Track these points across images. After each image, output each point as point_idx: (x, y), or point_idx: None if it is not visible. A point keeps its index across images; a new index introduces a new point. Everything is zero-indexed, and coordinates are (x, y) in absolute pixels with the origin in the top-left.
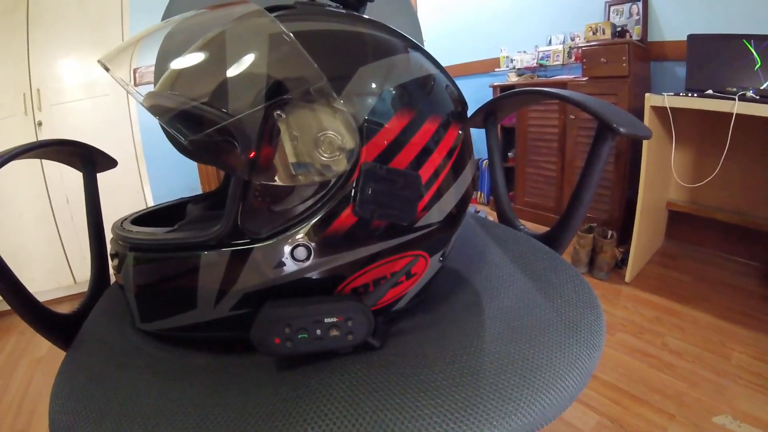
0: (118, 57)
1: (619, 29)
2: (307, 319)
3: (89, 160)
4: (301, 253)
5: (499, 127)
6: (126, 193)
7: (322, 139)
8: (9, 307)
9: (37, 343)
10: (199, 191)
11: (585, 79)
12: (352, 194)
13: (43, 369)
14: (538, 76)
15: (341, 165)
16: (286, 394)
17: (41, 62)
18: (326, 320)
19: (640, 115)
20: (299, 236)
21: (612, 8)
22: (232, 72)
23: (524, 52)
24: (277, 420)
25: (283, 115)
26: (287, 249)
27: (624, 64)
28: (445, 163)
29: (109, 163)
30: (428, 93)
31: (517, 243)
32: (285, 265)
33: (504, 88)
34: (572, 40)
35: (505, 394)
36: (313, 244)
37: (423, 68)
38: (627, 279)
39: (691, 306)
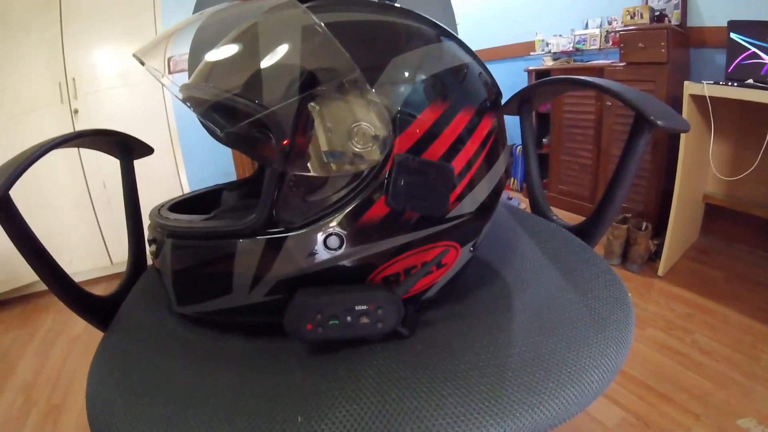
0: (152, 50)
1: (657, 13)
2: (339, 307)
3: (126, 148)
4: (333, 242)
5: (533, 113)
6: (162, 179)
7: (356, 131)
8: (46, 287)
9: (73, 322)
10: (234, 176)
11: (622, 64)
12: (385, 185)
13: (79, 347)
14: (574, 61)
15: (374, 156)
16: (316, 379)
17: (76, 52)
18: (357, 308)
19: (678, 104)
20: (332, 226)
21: None
22: (265, 64)
23: (560, 35)
24: (306, 403)
25: (317, 107)
26: (320, 238)
27: (662, 50)
28: (479, 153)
29: (146, 150)
30: (461, 82)
31: (549, 235)
32: (318, 253)
33: (539, 73)
34: (609, 24)
35: (530, 387)
36: (345, 233)
37: (456, 57)
38: (660, 273)
39: (723, 304)
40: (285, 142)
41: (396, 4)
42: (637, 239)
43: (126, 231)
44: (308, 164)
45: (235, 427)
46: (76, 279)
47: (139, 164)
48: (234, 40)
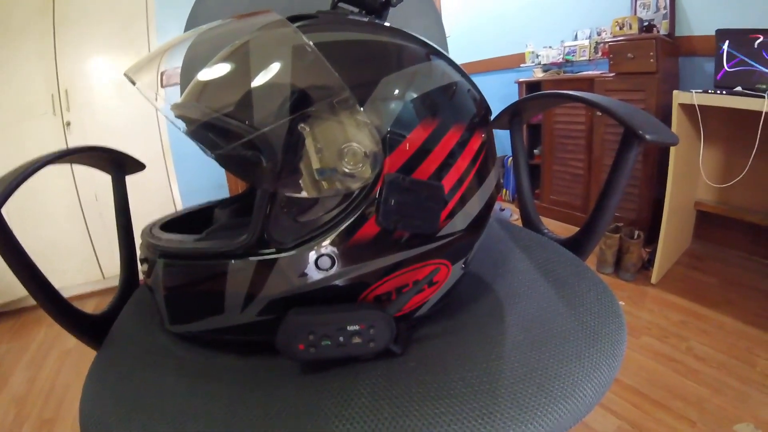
0: (143, 69)
1: (646, 24)
2: (331, 327)
3: (118, 165)
4: (325, 262)
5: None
6: (154, 191)
7: (346, 151)
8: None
9: (66, 336)
10: (226, 188)
11: (612, 75)
12: (376, 205)
13: (71, 361)
14: (564, 72)
15: (365, 176)
16: (309, 398)
17: (69, 63)
18: (349, 328)
19: (668, 113)
20: (323, 246)
21: (639, 2)
22: (256, 84)
23: (550, 47)
24: (300, 422)
25: (307, 128)
26: (312, 258)
27: (651, 60)
28: (469, 170)
29: (137, 166)
30: (451, 100)
31: (541, 248)
32: (309, 273)
33: (530, 84)
34: (599, 35)
35: (522, 403)
36: (336, 253)
37: (445, 75)
38: (653, 280)
39: (717, 310)
40: (276, 165)
41: (386, 23)
42: (629, 248)
43: (118, 247)
44: (299, 185)
45: None
46: (69, 293)
47: (131, 178)
48: (224, 59)
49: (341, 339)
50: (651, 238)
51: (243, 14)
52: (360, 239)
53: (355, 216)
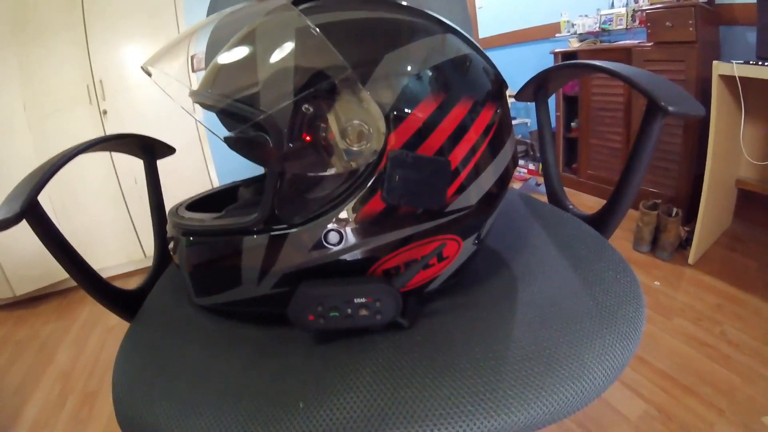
0: (160, 60)
1: None
2: (338, 299)
3: (149, 150)
4: (333, 237)
5: (561, 96)
6: (192, 174)
7: (350, 129)
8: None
9: (109, 314)
10: (262, 168)
11: (650, 44)
12: (381, 181)
13: (114, 337)
14: (601, 41)
15: (369, 153)
16: (318, 366)
17: (101, 54)
18: (356, 300)
19: (708, 85)
20: (331, 222)
21: None
22: (261, 68)
23: (586, 16)
24: (308, 388)
25: (311, 108)
26: (320, 233)
27: (691, 29)
28: (479, 144)
29: (168, 150)
30: (458, 74)
31: (562, 225)
32: (319, 248)
33: (565, 55)
34: (636, 2)
35: (527, 382)
36: (344, 228)
37: (453, 49)
38: (690, 261)
39: (755, 295)
40: (283, 145)
41: (394, 0)
42: (667, 226)
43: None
44: (305, 164)
45: (242, 406)
46: (112, 273)
47: (169, 161)
48: (233, 46)
49: (349, 311)
50: (690, 217)
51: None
52: (366, 215)
53: (362, 192)
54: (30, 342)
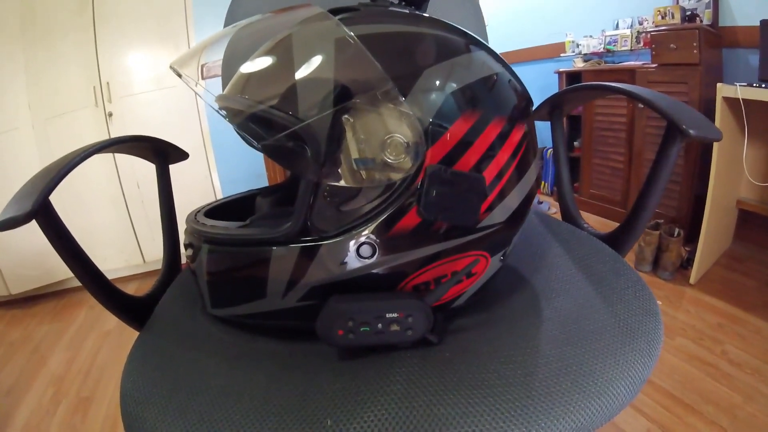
0: (188, 62)
1: (689, 13)
2: (370, 314)
3: (162, 154)
4: (366, 250)
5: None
6: (194, 180)
7: (389, 142)
8: (79, 283)
9: (105, 318)
10: (265, 177)
11: (654, 66)
12: (417, 196)
13: (110, 342)
14: (605, 62)
15: (407, 167)
16: (346, 383)
17: (110, 56)
18: (388, 315)
19: (711, 106)
20: (364, 235)
21: None
22: (300, 76)
23: (590, 36)
24: (335, 406)
25: (351, 119)
26: (353, 246)
27: (694, 51)
28: (510, 162)
29: (181, 155)
30: (492, 92)
31: (579, 243)
32: (350, 261)
33: (570, 75)
34: (640, 24)
35: (556, 398)
36: (377, 242)
37: (486, 66)
38: (692, 280)
39: (755, 314)
40: (320, 155)
41: (426, 14)
42: (669, 245)
43: (161, 233)
44: (342, 175)
45: (266, 426)
46: (110, 276)
47: (173, 167)
48: (268, 53)
49: (380, 326)
50: (691, 237)
51: (283, 8)
52: (401, 229)
53: (397, 206)
54: (24, 343)
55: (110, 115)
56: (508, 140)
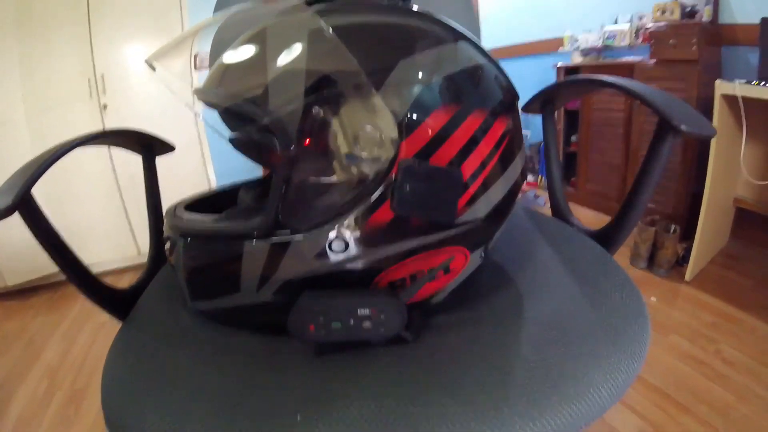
0: (165, 56)
1: (688, 9)
2: (341, 310)
3: (148, 146)
4: (338, 245)
5: (562, 109)
6: (189, 173)
7: (361, 135)
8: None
9: (100, 310)
10: (260, 170)
11: (653, 62)
12: (391, 190)
13: (104, 334)
14: (603, 58)
15: (380, 161)
16: (320, 378)
17: (105, 49)
18: (360, 312)
19: (709, 104)
20: (337, 230)
21: None
22: (272, 68)
23: (589, 31)
24: (306, 402)
25: (322, 112)
26: (325, 242)
27: (693, 48)
28: (491, 157)
29: (167, 147)
30: (474, 84)
31: (568, 241)
32: (322, 257)
33: (568, 69)
34: (640, 19)
35: (533, 399)
36: (350, 237)
37: (468, 58)
38: (687, 278)
39: (750, 313)
40: (290, 149)
41: (408, 6)
42: (664, 242)
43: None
44: (313, 169)
45: (237, 422)
46: (105, 268)
47: (167, 159)
48: (243, 44)
49: (351, 322)
50: (687, 234)
51: None
52: (374, 224)
53: (370, 201)
54: (18, 335)
55: (105, 107)
56: (489, 134)
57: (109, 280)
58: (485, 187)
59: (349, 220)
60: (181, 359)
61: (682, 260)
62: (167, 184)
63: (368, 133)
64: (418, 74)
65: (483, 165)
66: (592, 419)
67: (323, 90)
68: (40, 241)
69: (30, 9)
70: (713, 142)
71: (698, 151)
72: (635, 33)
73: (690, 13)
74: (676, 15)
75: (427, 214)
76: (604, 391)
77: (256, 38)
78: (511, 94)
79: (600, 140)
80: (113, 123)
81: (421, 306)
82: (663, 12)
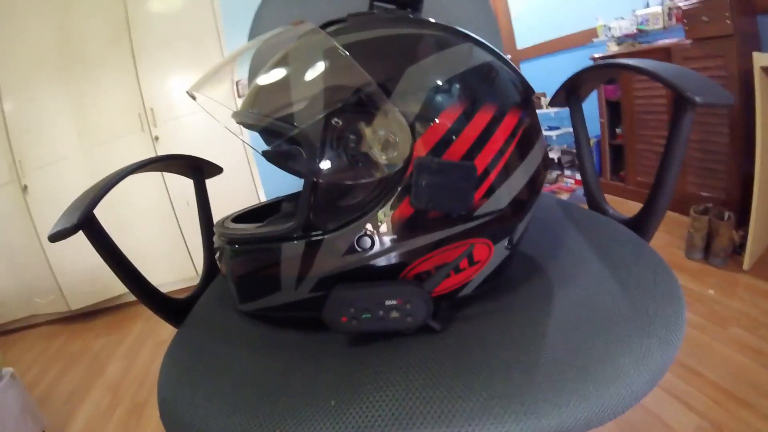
0: (205, 85)
1: None
2: (370, 301)
3: (197, 169)
4: (365, 242)
5: (603, 101)
6: (239, 193)
7: (377, 139)
8: (134, 298)
9: (161, 329)
10: None
11: (689, 41)
12: (409, 187)
13: (164, 351)
14: (639, 43)
15: (395, 161)
16: (352, 367)
17: (151, 82)
18: (387, 302)
19: (750, 78)
20: (363, 227)
21: None
22: (294, 88)
23: (621, 18)
24: (340, 388)
25: (340, 122)
26: (353, 239)
27: (727, 21)
28: (505, 150)
29: (215, 170)
30: (480, 82)
31: (600, 229)
32: (352, 252)
33: (605, 59)
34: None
35: (560, 386)
36: (375, 233)
37: (473, 58)
38: (745, 266)
39: None
40: (316, 157)
41: (412, 16)
42: (719, 230)
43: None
44: (336, 173)
45: (278, 406)
46: (164, 289)
47: (219, 181)
48: (269, 68)
49: (380, 313)
50: (743, 220)
51: (291, 24)
52: (397, 220)
53: (391, 198)
54: (82, 354)
55: (156, 138)
56: (500, 128)
57: None
58: (503, 178)
59: (373, 217)
60: (231, 355)
61: (739, 248)
62: (220, 205)
63: (383, 136)
64: (425, 79)
65: (497, 157)
66: (625, 408)
67: (340, 102)
68: (103, 257)
69: (72, 53)
70: (759, 117)
71: (745, 130)
72: (668, 14)
73: None
74: None
75: (443, 207)
76: (636, 377)
77: (278, 62)
78: (523, 87)
79: (645, 129)
80: (165, 152)
81: (450, 298)
82: None
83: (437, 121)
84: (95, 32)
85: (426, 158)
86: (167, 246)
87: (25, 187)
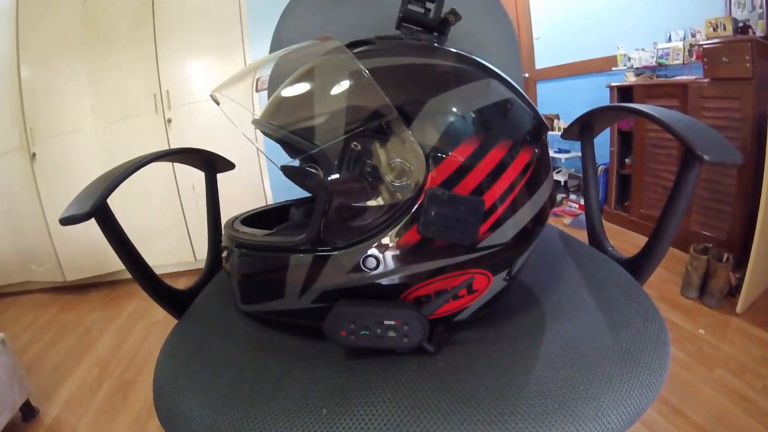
0: (228, 88)
1: (741, 24)
2: (370, 319)
3: (210, 164)
4: (371, 262)
5: (616, 130)
6: (247, 185)
7: (393, 166)
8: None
9: (155, 310)
10: None
11: (707, 80)
12: (418, 215)
13: (157, 331)
14: (657, 76)
15: (408, 189)
16: (346, 379)
17: (170, 67)
18: (386, 322)
19: (764, 122)
20: (370, 248)
21: (733, 1)
22: (317, 105)
23: (642, 49)
24: (333, 398)
25: (359, 146)
26: (359, 258)
27: (747, 65)
28: (515, 186)
29: (228, 166)
30: (498, 118)
31: (598, 267)
32: (357, 271)
33: (621, 89)
34: (693, 36)
35: (541, 418)
36: (381, 255)
37: (493, 94)
38: (738, 309)
39: None
40: (332, 177)
41: (439, 45)
42: (716, 271)
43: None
44: (351, 194)
45: (272, 408)
46: (162, 271)
47: (227, 173)
48: (294, 81)
49: (378, 331)
50: (742, 263)
51: (315, 39)
52: (403, 244)
53: (400, 224)
54: (74, 326)
55: (169, 121)
56: (513, 164)
57: (167, 283)
58: (510, 213)
59: (382, 240)
60: (229, 352)
61: (735, 290)
62: (227, 196)
63: (399, 164)
64: (445, 111)
65: (506, 193)
66: None
67: (360, 125)
68: (112, 244)
69: (95, 29)
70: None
71: (754, 171)
72: (689, 50)
73: (743, 29)
74: (729, 30)
75: (449, 237)
76: (614, 417)
77: (303, 76)
78: (538, 124)
79: (653, 162)
80: (176, 136)
81: (445, 322)
82: (715, 28)
83: (452, 154)
84: (120, 10)
85: (437, 189)
86: (169, 228)
87: (34, 154)
